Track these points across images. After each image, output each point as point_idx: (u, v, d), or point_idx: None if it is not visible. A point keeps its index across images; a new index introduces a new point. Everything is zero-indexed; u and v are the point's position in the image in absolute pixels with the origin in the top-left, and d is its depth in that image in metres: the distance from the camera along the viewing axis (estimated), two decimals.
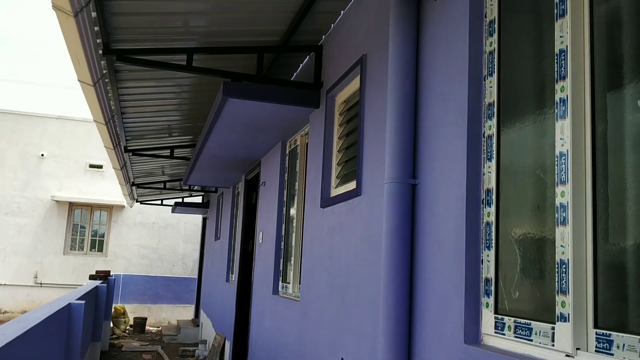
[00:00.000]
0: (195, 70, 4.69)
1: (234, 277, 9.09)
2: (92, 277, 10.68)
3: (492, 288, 2.29)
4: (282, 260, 6.10)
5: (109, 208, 17.80)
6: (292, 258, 5.66)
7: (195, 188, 13.37)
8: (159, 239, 17.97)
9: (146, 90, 6.20)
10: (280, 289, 6.05)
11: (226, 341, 9.21)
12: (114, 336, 13.92)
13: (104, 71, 4.92)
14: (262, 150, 6.94)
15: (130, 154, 8.53)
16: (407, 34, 3.01)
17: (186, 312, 16.71)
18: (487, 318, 2.30)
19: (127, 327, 15.18)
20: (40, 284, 16.87)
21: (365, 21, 3.86)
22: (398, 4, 3.04)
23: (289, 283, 5.73)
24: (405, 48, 3.00)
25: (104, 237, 17.79)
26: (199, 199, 15.89)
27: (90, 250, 17.63)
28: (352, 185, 3.96)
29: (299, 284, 5.54)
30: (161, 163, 10.34)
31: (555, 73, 2.04)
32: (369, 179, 3.55)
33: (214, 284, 11.68)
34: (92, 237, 17.72)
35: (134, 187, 12.43)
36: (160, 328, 15.82)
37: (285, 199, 6.20)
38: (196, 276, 16.18)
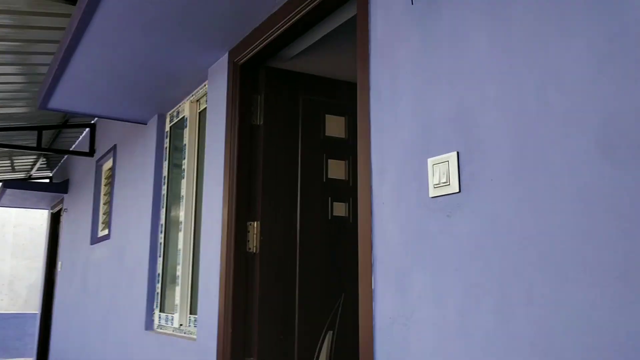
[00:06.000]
0: None
1: (194, 321, 3.57)
2: None
3: None
4: None
5: None
6: None
7: (37, 168, 7.24)
8: None
9: None
10: None
11: None
12: None
13: None
14: None
15: None
16: None
17: None
18: None
19: None
20: None
21: None
22: None
23: None
24: None
25: None
26: (44, 179, 9.53)
27: None
28: None
29: None
30: None
31: None
32: None
33: (96, 331, 5.81)
34: None
35: None
36: None
37: None
38: (37, 311, 9.71)
